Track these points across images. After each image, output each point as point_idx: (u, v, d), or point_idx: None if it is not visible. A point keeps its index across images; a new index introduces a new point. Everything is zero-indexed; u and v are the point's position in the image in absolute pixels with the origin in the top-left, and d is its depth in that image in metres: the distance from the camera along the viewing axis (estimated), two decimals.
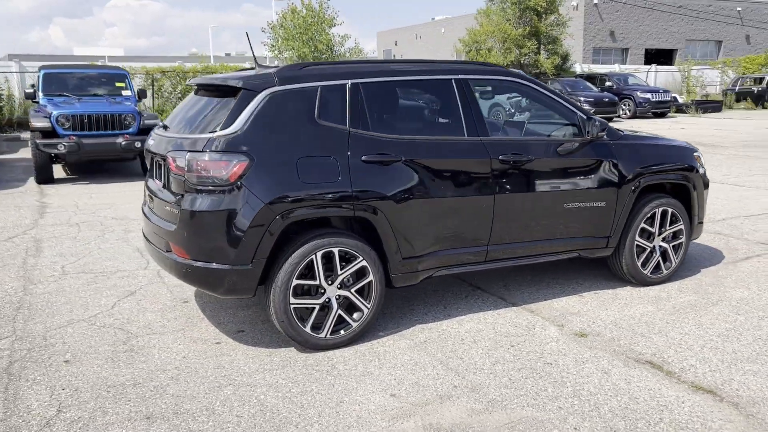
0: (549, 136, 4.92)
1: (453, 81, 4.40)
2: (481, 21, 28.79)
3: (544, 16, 28.07)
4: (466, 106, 4.37)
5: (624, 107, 25.17)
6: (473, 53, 27.79)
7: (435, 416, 3.22)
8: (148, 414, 3.26)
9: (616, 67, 33.40)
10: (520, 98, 6.09)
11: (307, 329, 3.92)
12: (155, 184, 4.34)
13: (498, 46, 27.81)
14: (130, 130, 11.02)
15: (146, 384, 3.58)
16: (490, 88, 5.23)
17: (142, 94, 12.75)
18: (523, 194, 4.48)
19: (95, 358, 3.92)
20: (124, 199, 9.25)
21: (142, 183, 11.18)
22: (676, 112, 26.90)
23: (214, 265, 3.76)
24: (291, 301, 3.85)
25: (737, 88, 29.44)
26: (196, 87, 4.50)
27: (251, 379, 3.64)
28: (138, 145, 10.87)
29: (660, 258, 5.17)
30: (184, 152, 3.79)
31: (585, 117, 4.73)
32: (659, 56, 43.44)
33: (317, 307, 3.95)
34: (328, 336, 3.97)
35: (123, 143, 10.76)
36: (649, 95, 25.25)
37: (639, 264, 5.07)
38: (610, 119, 22.76)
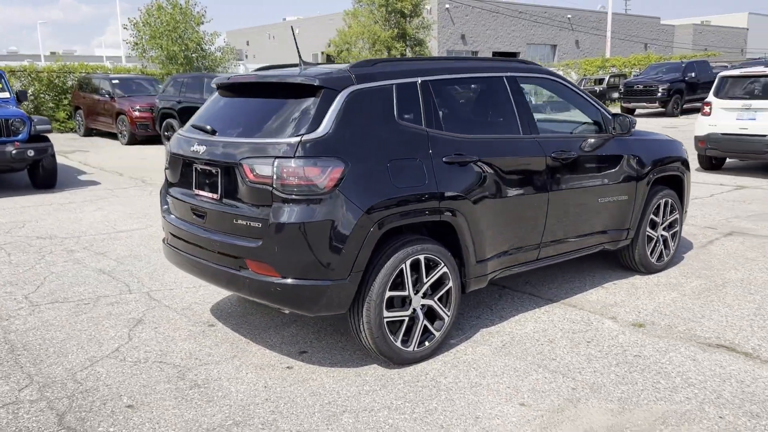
0: (572, 133, 5.02)
1: (504, 78, 4.33)
2: (349, 22, 28.92)
3: (409, 18, 28.80)
4: (518, 103, 4.33)
5: None
6: (345, 54, 27.84)
7: (583, 421, 3.14)
8: None
9: None
10: None
11: (398, 344, 3.67)
12: (202, 196, 3.82)
13: (368, 47, 28.09)
14: (20, 136, 9.70)
15: (250, 422, 3.14)
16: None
17: (22, 96, 11.31)
18: (569, 191, 4.52)
19: (161, 399, 3.38)
20: (33, 216, 8.13)
21: (37, 196, 9.95)
22: None
23: (310, 282, 3.39)
24: (384, 315, 3.58)
25: (581, 88, 32.09)
26: (232, 86, 4.04)
27: (360, 403, 3.33)
28: (31, 153, 9.63)
29: (662, 246, 5.47)
30: (269, 158, 3.37)
31: (609, 115, 4.88)
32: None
33: (406, 319, 3.71)
34: (415, 349, 3.75)
35: (13, 152, 9.45)
36: None
37: (648, 253, 5.34)
38: None
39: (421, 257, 3.68)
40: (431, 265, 3.76)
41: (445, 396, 3.39)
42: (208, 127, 3.82)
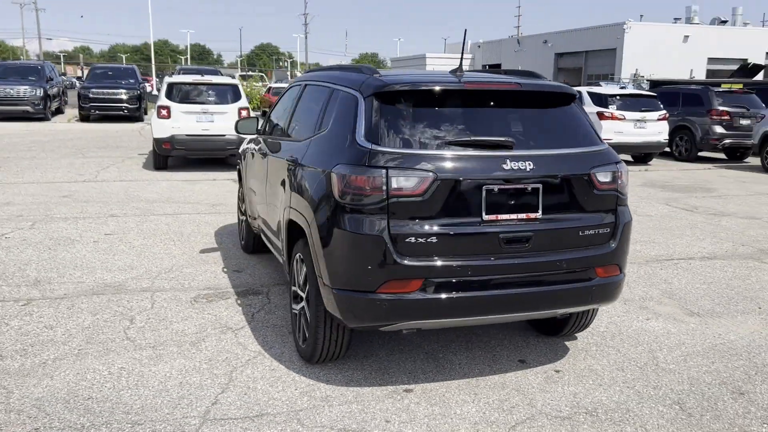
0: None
1: None
2: None
3: None
4: None
5: None
6: None
7: None
8: None
9: None
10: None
11: None
12: (506, 220, 3.34)
13: None
14: None
15: None
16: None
17: None
18: None
19: None
20: None
21: None
22: None
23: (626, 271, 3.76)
24: None
25: None
26: (464, 93, 3.51)
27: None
28: None
29: None
30: (612, 165, 3.58)
31: None
32: None
33: None
34: None
35: None
36: None
37: None
38: None
39: None
40: None
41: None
42: (510, 141, 3.43)
